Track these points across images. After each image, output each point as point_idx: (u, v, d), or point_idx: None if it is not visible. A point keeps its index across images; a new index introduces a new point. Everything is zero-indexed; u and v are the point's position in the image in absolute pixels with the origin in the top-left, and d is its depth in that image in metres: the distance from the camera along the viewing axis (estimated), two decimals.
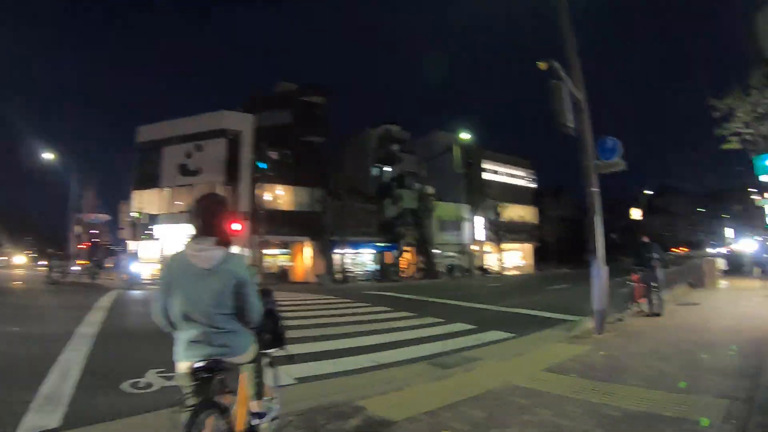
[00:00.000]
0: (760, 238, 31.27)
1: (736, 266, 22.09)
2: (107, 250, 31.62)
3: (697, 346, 6.37)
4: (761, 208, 15.48)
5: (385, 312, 12.49)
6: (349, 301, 15.93)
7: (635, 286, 9.90)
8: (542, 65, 7.90)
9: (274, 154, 27.49)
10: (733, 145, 10.78)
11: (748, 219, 42.60)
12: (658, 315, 9.41)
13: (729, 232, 58.01)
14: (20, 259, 49.80)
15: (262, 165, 26.13)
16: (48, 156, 31.28)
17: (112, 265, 31.66)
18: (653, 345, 6.68)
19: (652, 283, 9.67)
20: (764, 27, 8.25)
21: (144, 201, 32.21)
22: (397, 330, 9.29)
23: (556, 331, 8.54)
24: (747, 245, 34.77)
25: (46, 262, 34.13)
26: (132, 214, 28.88)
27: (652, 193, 61.42)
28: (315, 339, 8.04)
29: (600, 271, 7.89)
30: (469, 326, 9.60)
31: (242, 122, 31.70)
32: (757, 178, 11.09)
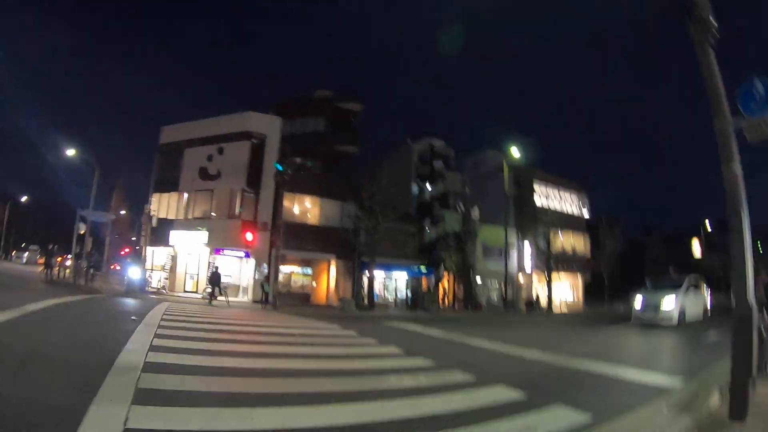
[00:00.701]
0: None
1: None
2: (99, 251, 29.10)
3: None
4: None
5: (394, 357, 8.57)
6: (354, 335, 11.90)
7: None
8: None
9: (300, 160, 24.33)
10: None
11: None
12: None
13: None
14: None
15: (280, 167, 22.98)
16: (70, 152, 29.45)
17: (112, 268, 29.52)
18: None
19: None
20: None
21: (163, 204, 29.92)
22: (395, 396, 5.46)
23: (655, 408, 5.09)
24: None
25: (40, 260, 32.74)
26: (144, 216, 26.38)
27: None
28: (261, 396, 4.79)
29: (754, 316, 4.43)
30: (513, 393, 5.74)
31: (269, 125, 28.87)
32: None
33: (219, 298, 20.96)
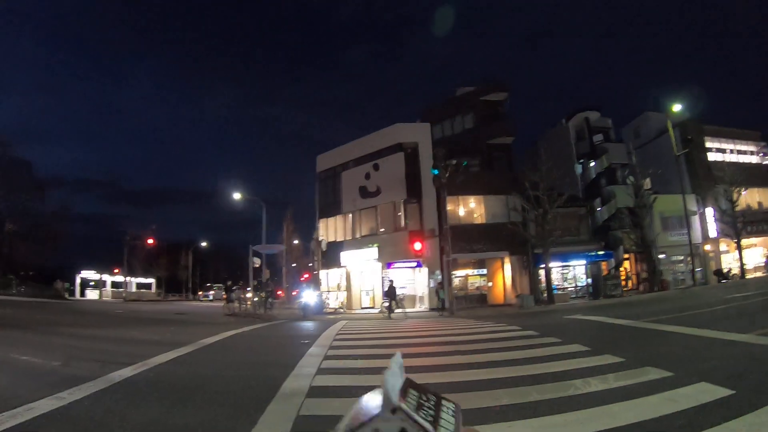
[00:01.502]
0: None
1: None
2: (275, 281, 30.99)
3: None
4: None
5: (579, 357, 7.48)
6: (534, 335, 10.90)
7: None
8: None
9: (455, 161, 23.87)
10: None
11: None
12: None
13: None
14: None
15: (435, 171, 22.65)
16: (236, 196, 32.18)
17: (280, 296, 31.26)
18: None
19: None
20: None
21: (330, 228, 31.30)
22: (581, 404, 4.66)
23: None
24: None
25: (224, 295, 35.77)
26: (313, 242, 27.70)
27: None
28: None
29: None
30: (719, 391, 4.72)
31: (419, 133, 28.85)
32: None
33: (397, 310, 21.08)
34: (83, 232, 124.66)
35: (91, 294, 48.56)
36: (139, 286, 55.90)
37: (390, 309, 21.39)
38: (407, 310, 22.82)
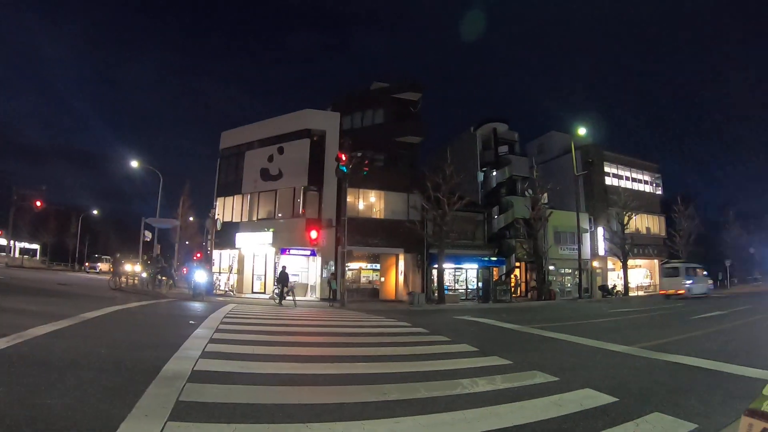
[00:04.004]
0: None
1: None
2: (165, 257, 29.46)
3: None
4: None
5: (467, 357, 7.56)
6: (424, 332, 10.97)
7: None
8: None
9: (360, 153, 23.70)
10: None
11: None
12: None
13: None
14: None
15: (344, 169, 22.32)
16: (134, 163, 30.48)
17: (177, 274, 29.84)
18: None
19: None
20: None
21: (227, 208, 30.13)
22: (469, 403, 4.62)
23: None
24: None
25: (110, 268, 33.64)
26: (208, 220, 26.50)
27: None
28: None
29: None
30: (603, 398, 4.89)
31: (328, 121, 28.37)
32: None
33: (288, 298, 20.58)
34: None
35: None
36: (23, 251, 51.53)
37: (281, 296, 20.75)
38: (298, 298, 22.26)
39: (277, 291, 21.37)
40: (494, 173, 33.36)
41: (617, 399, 4.80)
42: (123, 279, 26.27)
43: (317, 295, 26.31)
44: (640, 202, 39.81)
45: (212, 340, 7.88)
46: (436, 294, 27.06)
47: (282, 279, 21.21)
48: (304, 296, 25.86)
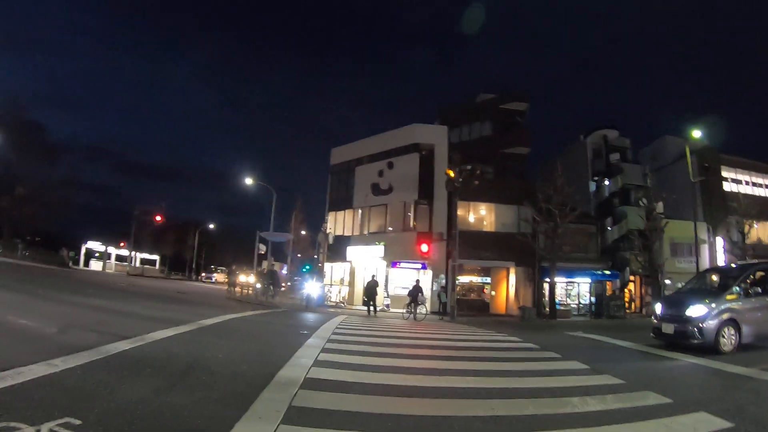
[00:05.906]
0: None
1: None
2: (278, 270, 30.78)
3: None
4: None
5: (578, 375, 7.38)
6: (534, 347, 10.82)
7: None
8: None
9: (470, 166, 23.72)
10: None
11: None
12: None
13: None
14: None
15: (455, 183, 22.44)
16: (248, 180, 32.30)
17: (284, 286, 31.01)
18: None
19: None
20: None
21: (338, 222, 31.29)
22: (578, 423, 4.54)
23: None
24: None
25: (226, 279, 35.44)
26: (320, 234, 27.60)
27: None
28: None
29: None
30: (718, 422, 4.70)
31: (436, 135, 28.78)
32: None
33: (420, 311, 20.87)
34: (91, 202, 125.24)
35: (95, 265, 48.77)
36: (144, 261, 56.17)
37: (413, 309, 20.72)
38: (404, 311, 22.49)
39: (371, 304, 21.34)
40: (606, 182, 32.12)
41: (732, 425, 4.54)
42: (238, 289, 27.93)
43: (427, 308, 26.49)
44: (761, 209, 36.56)
45: (324, 350, 8.19)
46: (547, 308, 26.41)
47: (414, 292, 21.11)
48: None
